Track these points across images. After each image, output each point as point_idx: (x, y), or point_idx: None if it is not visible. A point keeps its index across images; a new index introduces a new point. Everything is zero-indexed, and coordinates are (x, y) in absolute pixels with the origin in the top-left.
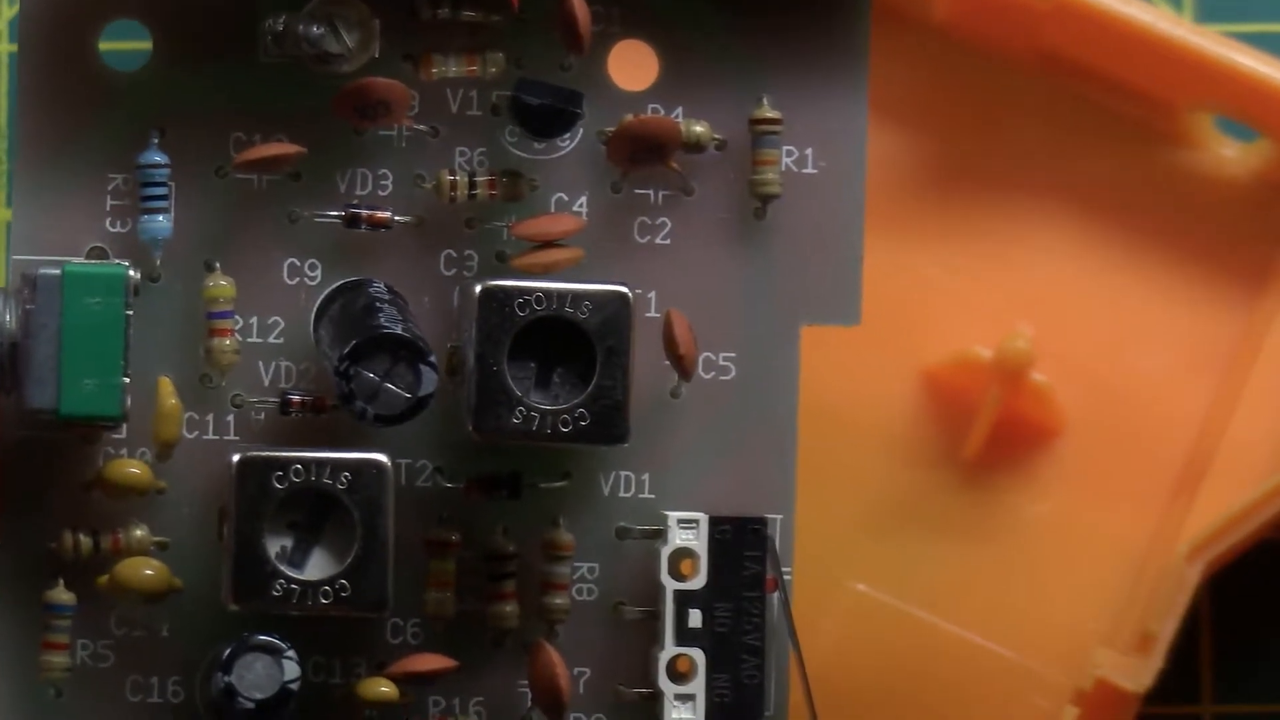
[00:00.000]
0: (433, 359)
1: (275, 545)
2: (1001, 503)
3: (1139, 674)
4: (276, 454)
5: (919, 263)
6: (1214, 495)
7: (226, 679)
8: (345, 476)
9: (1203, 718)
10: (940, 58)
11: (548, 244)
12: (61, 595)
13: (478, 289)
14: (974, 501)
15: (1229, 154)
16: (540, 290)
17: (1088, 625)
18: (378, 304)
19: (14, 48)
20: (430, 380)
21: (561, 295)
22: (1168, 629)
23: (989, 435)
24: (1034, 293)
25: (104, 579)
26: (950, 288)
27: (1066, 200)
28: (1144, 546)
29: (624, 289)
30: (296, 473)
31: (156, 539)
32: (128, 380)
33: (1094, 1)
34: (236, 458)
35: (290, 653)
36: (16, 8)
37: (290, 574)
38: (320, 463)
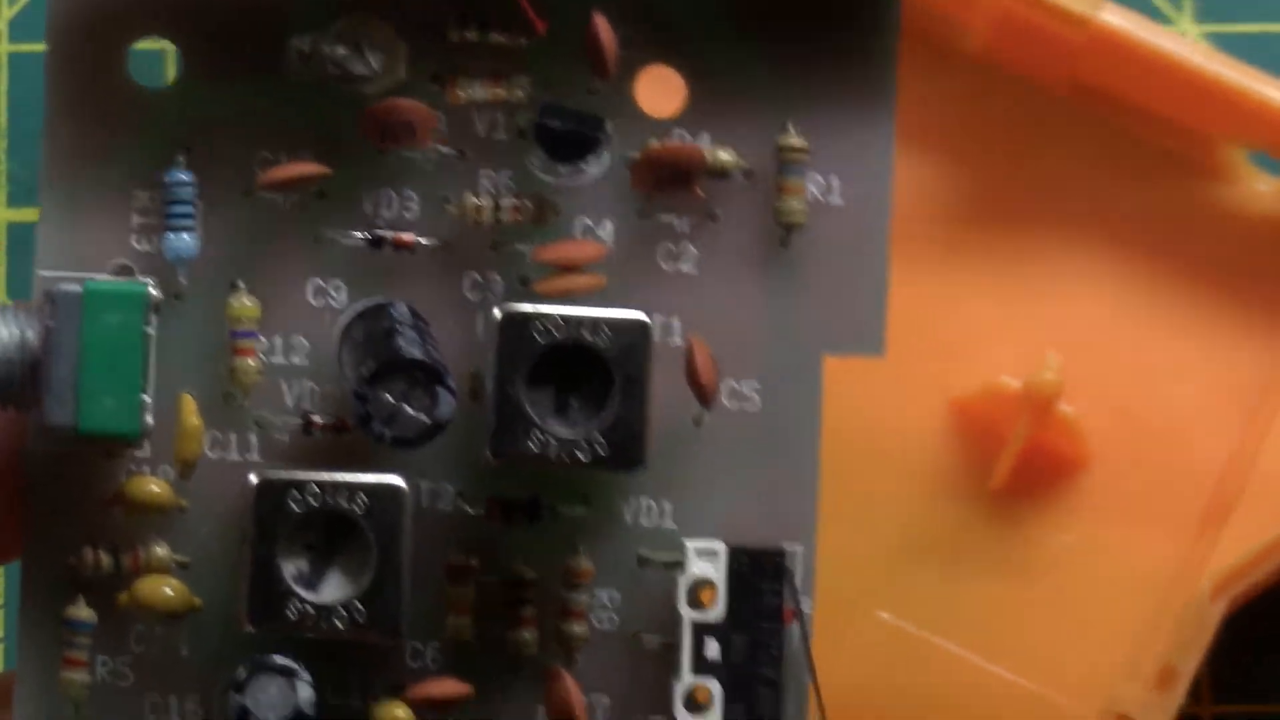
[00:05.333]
0: (451, 383)
1: (291, 567)
2: (1026, 533)
3: (1161, 710)
4: (294, 476)
5: (947, 291)
6: (1241, 529)
7: (241, 700)
8: (362, 499)
9: (1202, 718)
10: (974, 87)
11: (569, 269)
12: (82, 612)
13: (497, 314)
14: (999, 532)
15: (1262, 188)
16: (560, 316)
17: (1111, 657)
18: (398, 327)
19: (14, 48)
20: (448, 404)
21: (580, 322)
22: (1190, 665)
23: (1015, 466)
24: (1062, 323)
25: (124, 596)
26: (979, 317)
27: (1097, 231)
28: (1169, 579)
29: (643, 316)
30: (314, 495)
31: (177, 558)
32: (148, 399)
33: (1128, 34)
34: (254, 479)
35: (304, 675)
36: (17, 8)
37: (306, 597)
38: (337, 485)
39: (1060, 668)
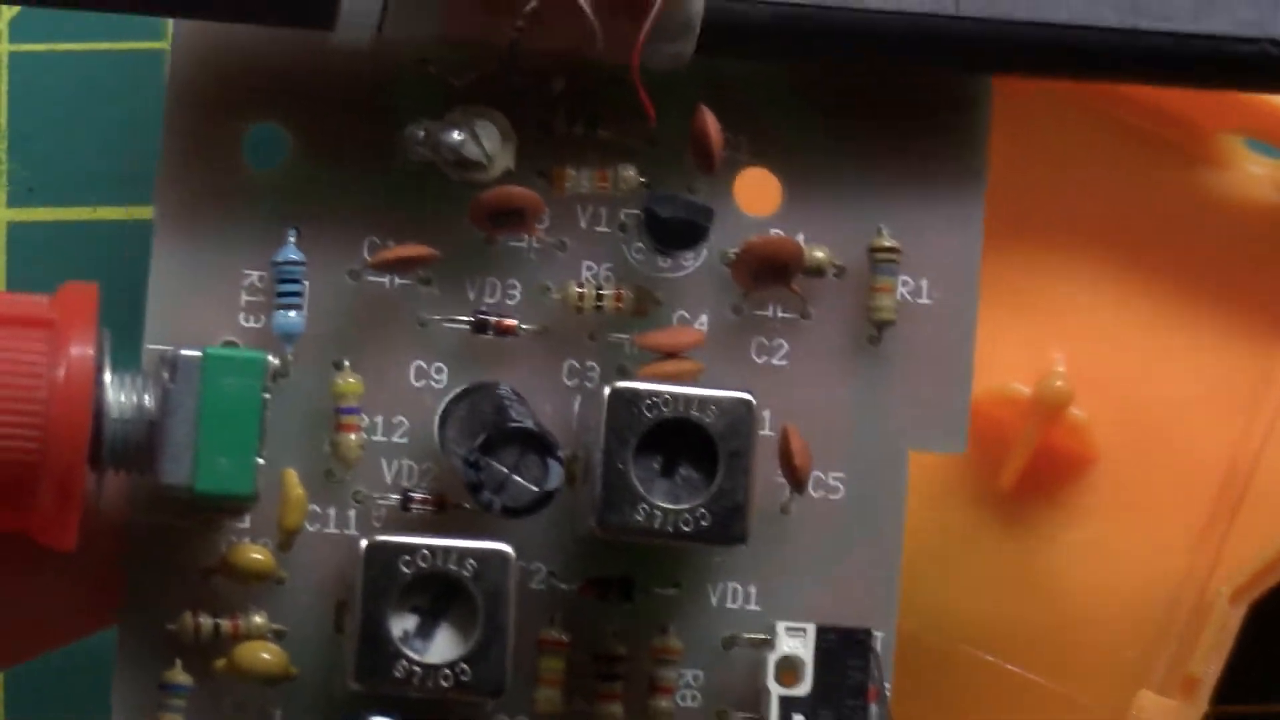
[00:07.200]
0: (561, 454)
1: (399, 628)
2: (1037, 533)
3: (1184, 718)
4: (405, 540)
5: None
6: (1250, 523)
7: None
8: (471, 563)
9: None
10: None
11: (671, 355)
12: (179, 676)
13: (606, 390)
14: (1010, 532)
15: (1258, 170)
16: (667, 393)
17: (1125, 654)
18: (507, 402)
19: (15, 48)
20: (557, 474)
21: (688, 399)
22: (1212, 671)
23: (1024, 467)
24: (1065, 321)
25: (221, 662)
26: (981, 317)
27: (1096, 226)
28: (1180, 575)
29: (748, 396)
30: (424, 558)
31: (274, 626)
32: (262, 461)
33: None
34: (364, 542)
35: None
36: (17, 9)
37: (413, 656)
38: (447, 550)
39: (1075, 664)
